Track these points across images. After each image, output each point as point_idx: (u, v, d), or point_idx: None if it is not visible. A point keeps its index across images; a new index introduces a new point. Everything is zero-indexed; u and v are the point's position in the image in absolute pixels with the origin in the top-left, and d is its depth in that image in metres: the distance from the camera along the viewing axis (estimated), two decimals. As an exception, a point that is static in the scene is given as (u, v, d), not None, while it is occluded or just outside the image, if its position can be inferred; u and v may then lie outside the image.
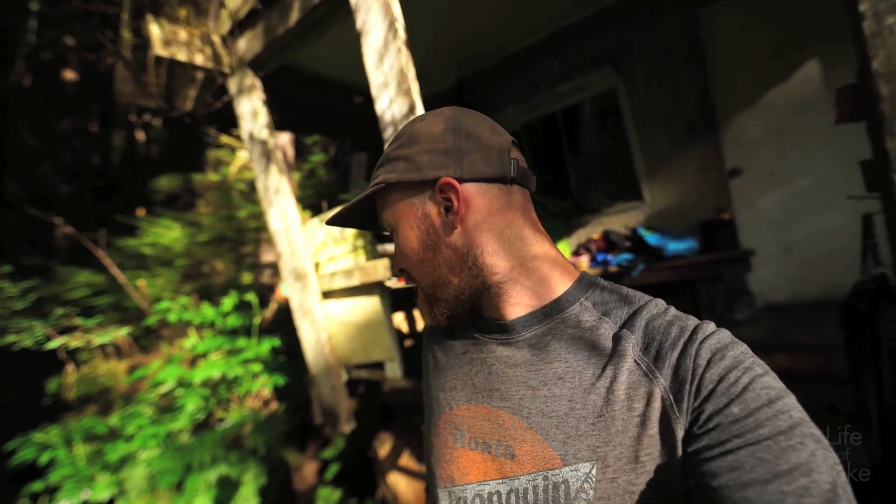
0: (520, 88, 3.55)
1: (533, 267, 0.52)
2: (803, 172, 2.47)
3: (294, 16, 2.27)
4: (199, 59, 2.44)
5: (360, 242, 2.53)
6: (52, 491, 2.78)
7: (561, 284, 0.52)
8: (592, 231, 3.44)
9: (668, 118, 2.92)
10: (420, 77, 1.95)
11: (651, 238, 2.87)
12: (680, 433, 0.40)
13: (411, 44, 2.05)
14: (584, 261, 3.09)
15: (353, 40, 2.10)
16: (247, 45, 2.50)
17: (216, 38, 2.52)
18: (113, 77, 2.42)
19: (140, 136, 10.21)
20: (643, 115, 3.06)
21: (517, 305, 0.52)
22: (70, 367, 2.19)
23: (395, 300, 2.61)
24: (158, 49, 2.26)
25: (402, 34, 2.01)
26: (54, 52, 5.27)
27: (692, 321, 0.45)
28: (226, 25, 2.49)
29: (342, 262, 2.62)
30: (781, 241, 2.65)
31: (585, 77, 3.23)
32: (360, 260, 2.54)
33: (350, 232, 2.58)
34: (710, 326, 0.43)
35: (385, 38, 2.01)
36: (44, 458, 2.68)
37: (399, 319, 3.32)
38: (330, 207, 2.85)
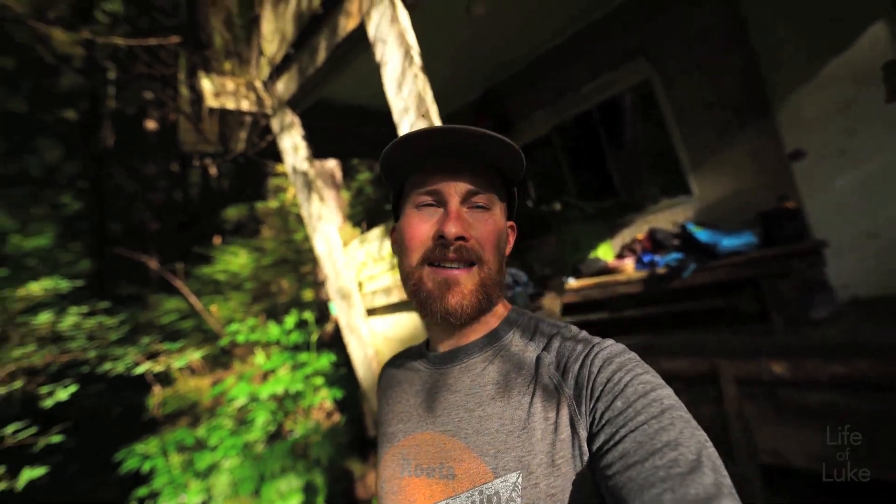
0: (547, 92, 3.49)
1: None
2: (879, 149, 2.16)
3: (321, 55, 2.45)
4: (245, 105, 2.71)
5: (397, 261, 2.64)
6: (156, 496, 3.19)
7: (497, 317, 0.59)
8: (637, 230, 3.26)
9: (712, 105, 2.70)
10: (446, 92, 2.01)
11: (702, 235, 2.66)
12: (583, 433, 0.45)
13: (434, 61, 2.11)
14: (628, 263, 2.94)
15: (376, 69, 2.22)
16: (284, 86, 2.73)
17: (258, 84, 2.79)
18: (177, 128, 2.76)
19: (213, 171, 11.42)
20: (683, 104, 2.85)
21: (470, 335, 0.58)
22: (156, 388, 2.53)
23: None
24: (210, 101, 2.54)
25: (417, 60, 2.08)
26: (137, 107, 6.13)
27: (595, 340, 0.51)
28: (265, 71, 2.74)
29: (382, 281, 2.75)
30: (862, 227, 2.33)
31: (615, 72, 3.09)
32: (397, 277, 2.64)
33: (387, 251, 2.69)
34: (608, 342, 0.50)
35: (402, 67, 2.10)
36: (146, 467, 3.10)
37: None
38: (370, 226, 2.97)
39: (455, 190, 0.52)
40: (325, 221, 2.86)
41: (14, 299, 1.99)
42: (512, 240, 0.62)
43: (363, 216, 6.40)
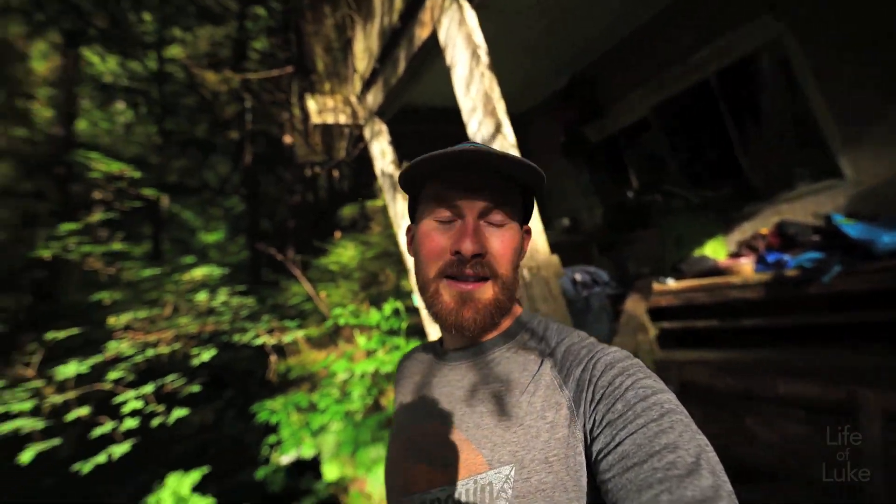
0: (643, 69, 3.10)
1: None
2: None
3: (402, 65, 2.63)
4: (342, 119, 3.07)
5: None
6: (280, 444, 3.89)
7: (506, 320, 0.61)
8: (761, 224, 2.71)
9: (870, 64, 2.07)
10: (529, 85, 1.96)
11: (853, 229, 2.11)
12: (579, 434, 0.46)
13: (512, 56, 2.07)
14: (745, 263, 2.47)
15: (449, 72, 2.30)
16: (373, 98, 3.00)
17: (353, 99, 3.12)
18: (293, 143, 3.27)
19: (335, 174, 13.05)
20: (829, 65, 2.25)
21: (481, 335, 0.60)
22: (273, 357, 3.08)
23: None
24: (314, 118, 2.95)
25: (484, 59, 2.09)
26: (278, 126, 7.42)
27: (600, 346, 0.52)
28: (358, 86, 3.05)
29: (458, 276, 2.84)
30: None
31: (734, 33, 2.59)
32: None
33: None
34: (612, 348, 0.51)
35: (469, 67, 2.14)
36: (273, 420, 3.80)
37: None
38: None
39: (473, 206, 0.53)
40: (408, 219, 3.07)
41: (183, 282, 2.68)
42: (527, 245, 0.62)
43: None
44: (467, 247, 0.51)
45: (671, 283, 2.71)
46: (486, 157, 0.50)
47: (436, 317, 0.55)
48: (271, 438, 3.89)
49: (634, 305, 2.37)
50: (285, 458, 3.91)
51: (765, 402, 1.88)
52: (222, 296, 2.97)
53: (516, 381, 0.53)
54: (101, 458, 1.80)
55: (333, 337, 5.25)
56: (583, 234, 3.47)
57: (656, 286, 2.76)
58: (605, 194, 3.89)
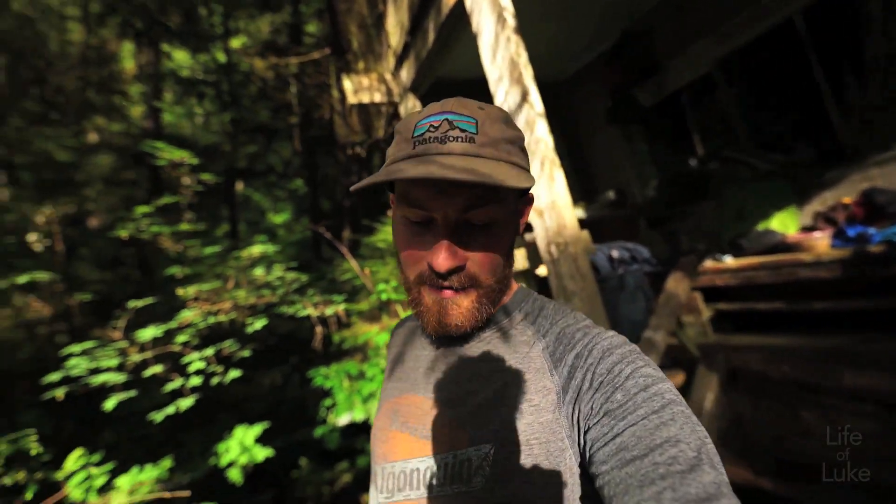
0: (704, 18, 2.70)
1: None
2: None
3: (431, 37, 2.58)
4: (377, 97, 3.11)
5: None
6: (335, 407, 4.26)
7: (503, 297, 0.57)
8: (847, 192, 2.32)
9: None
10: (570, 50, 1.80)
11: (964, 194, 1.74)
12: (564, 421, 0.45)
13: (551, 20, 1.96)
14: (819, 237, 2.15)
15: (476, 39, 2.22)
16: (406, 73, 2.99)
17: (388, 76, 3.14)
18: (333, 125, 3.39)
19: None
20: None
21: None
22: (318, 329, 3.33)
23: (542, 289, 2.60)
24: (351, 98, 3.02)
25: (511, 22, 1.99)
26: (323, 108, 7.73)
27: (596, 330, 0.50)
28: (391, 62, 3.06)
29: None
30: None
31: (819, -36, 2.16)
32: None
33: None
34: (609, 333, 0.49)
35: (495, 32, 2.04)
36: (327, 385, 4.14)
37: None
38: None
39: (446, 213, 0.46)
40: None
41: (243, 258, 2.99)
42: (526, 217, 0.58)
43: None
44: (440, 264, 0.46)
45: (729, 261, 2.45)
46: (441, 182, 0.43)
47: (419, 317, 0.53)
48: (327, 402, 4.25)
49: (676, 284, 2.19)
50: (341, 420, 4.27)
51: (825, 393, 1.67)
52: (277, 271, 3.25)
53: (505, 363, 0.52)
54: (170, 410, 2.14)
55: (381, 311, 5.52)
56: (630, 208, 3.22)
57: (711, 264, 2.51)
58: (662, 163, 3.56)
